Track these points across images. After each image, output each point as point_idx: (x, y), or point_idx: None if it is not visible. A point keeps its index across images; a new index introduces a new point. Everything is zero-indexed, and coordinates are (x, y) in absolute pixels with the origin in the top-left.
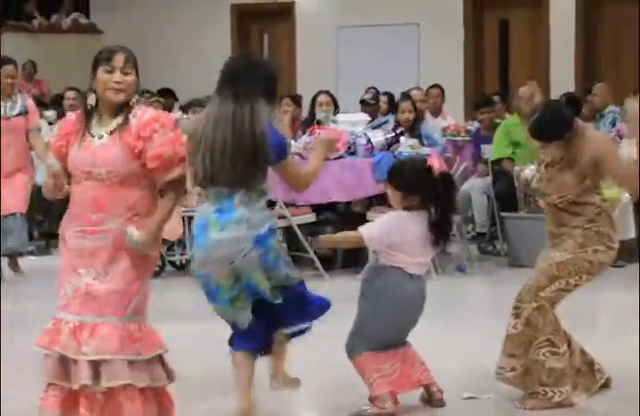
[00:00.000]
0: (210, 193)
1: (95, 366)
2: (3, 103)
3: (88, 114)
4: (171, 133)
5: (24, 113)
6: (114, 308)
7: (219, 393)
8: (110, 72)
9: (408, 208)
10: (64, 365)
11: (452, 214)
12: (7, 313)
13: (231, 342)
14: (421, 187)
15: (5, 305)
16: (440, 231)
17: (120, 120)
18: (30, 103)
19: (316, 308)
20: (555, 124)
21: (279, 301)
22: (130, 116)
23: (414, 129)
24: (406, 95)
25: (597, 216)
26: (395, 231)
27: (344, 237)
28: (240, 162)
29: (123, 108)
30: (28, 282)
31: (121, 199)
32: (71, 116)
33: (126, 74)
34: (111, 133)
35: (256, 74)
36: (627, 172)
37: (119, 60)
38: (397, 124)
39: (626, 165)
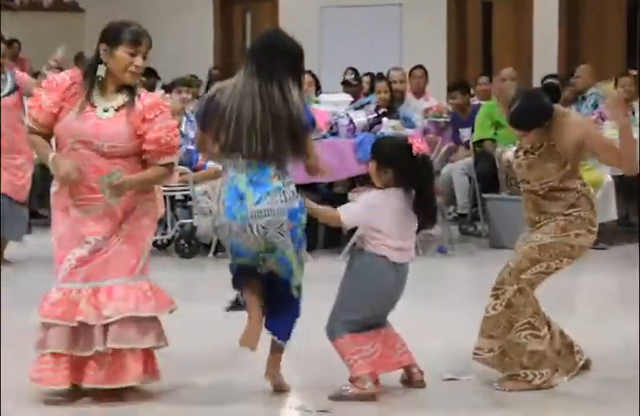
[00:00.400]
0: (238, 163)
1: (106, 329)
2: None
3: (92, 85)
4: (169, 120)
5: (14, 90)
6: (125, 269)
7: (207, 369)
8: (133, 55)
9: (386, 185)
10: (75, 334)
11: (432, 194)
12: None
13: (236, 282)
14: (400, 161)
15: None
16: (422, 210)
17: (125, 97)
18: (20, 77)
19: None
20: (533, 112)
21: (296, 295)
22: (135, 97)
23: (392, 110)
24: (381, 76)
25: (577, 200)
26: (373, 209)
27: (324, 212)
28: (274, 135)
29: (127, 86)
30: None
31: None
32: (61, 80)
33: (144, 58)
34: (118, 109)
35: (284, 52)
36: (616, 152)
37: (145, 45)
38: (379, 105)
39: (611, 144)
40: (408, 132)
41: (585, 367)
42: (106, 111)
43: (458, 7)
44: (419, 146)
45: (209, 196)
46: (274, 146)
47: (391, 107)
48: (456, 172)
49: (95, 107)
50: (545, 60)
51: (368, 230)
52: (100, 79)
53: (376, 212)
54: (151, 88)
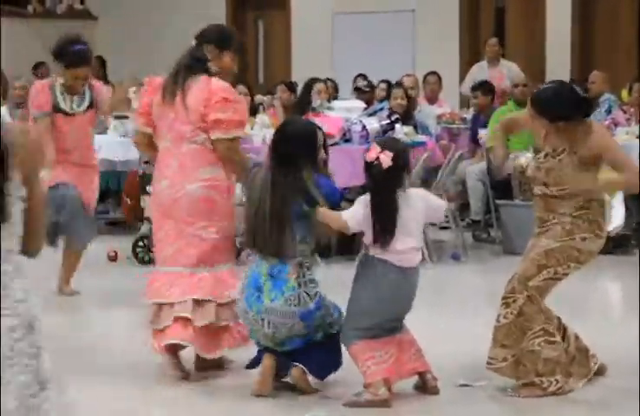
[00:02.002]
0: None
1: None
2: (69, 99)
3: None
4: None
5: (90, 108)
6: (223, 257)
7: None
8: (233, 60)
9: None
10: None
11: (386, 204)
12: None
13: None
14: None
15: None
16: (377, 220)
17: None
18: (98, 91)
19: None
20: (561, 100)
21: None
22: None
23: (408, 117)
24: (398, 83)
25: (588, 203)
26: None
27: (330, 215)
28: (274, 231)
29: None
30: None
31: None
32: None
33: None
34: None
35: (296, 141)
36: (630, 169)
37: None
38: (392, 111)
39: (628, 161)
40: (421, 138)
41: (600, 372)
42: None
43: (470, 13)
44: (373, 153)
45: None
46: (287, 246)
47: (408, 113)
48: (470, 178)
49: None
50: (559, 66)
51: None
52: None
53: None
54: None
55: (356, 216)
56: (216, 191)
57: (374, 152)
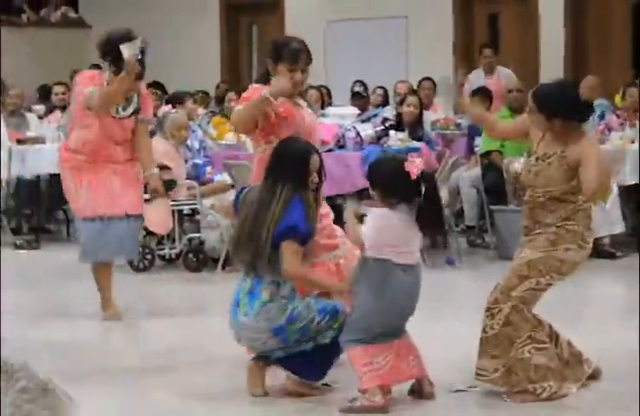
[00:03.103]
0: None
1: None
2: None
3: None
4: None
5: (135, 113)
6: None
7: (217, 379)
8: (292, 71)
9: (389, 205)
10: None
11: (437, 209)
12: None
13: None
14: (399, 190)
15: None
16: (427, 224)
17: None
18: (144, 97)
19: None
20: (562, 97)
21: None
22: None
23: (418, 126)
24: (413, 90)
25: (574, 214)
26: (384, 230)
27: (354, 234)
28: (250, 250)
29: None
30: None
31: None
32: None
33: (303, 72)
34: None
35: (286, 163)
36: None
37: (302, 61)
38: (386, 118)
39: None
40: (415, 144)
41: (594, 376)
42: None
43: (464, 18)
44: (414, 170)
45: (216, 210)
46: (262, 265)
47: (420, 122)
48: (464, 184)
49: (301, 106)
50: (552, 71)
51: (371, 238)
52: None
53: (389, 232)
54: (160, 102)
55: (374, 241)
56: None
57: (417, 162)
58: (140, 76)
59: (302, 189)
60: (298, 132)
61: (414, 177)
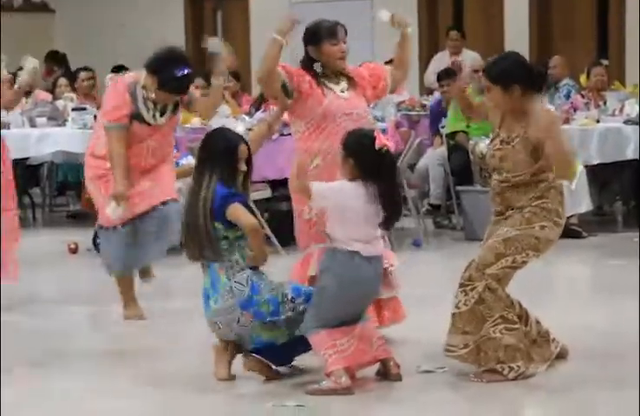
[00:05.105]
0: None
1: None
2: (152, 108)
3: (316, 78)
4: None
5: (173, 113)
6: None
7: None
8: (335, 45)
9: (350, 176)
10: None
11: (394, 188)
12: None
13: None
14: (361, 152)
15: None
16: (384, 205)
17: (344, 81)
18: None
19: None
20: (515, 65)
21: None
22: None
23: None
24: None
25: (547, 192)
26: (340, 194)
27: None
28: (190, 238)
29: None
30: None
31: None
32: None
33: (344, 43)
34: (348, 89)
35: (213, 152)
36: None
37: (341, 32)
38: None
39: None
40: (381, 126)
41: (562, 355)
42: (342, 92)
43: (429, 2)
44: (382, 140)
45: (182, 193)
46: (205, 251)
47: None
48: (432, 162)
49: (331, 89)
50: (518, 52)
51: (337, 223)
52: (320, 73)
53: (342, 198)
54: None
55: (323, 191)
56: None
57: (381, 138)
58: (187, 89)
59: (230, 178)
60: (318, 113)
61: (378, 143)
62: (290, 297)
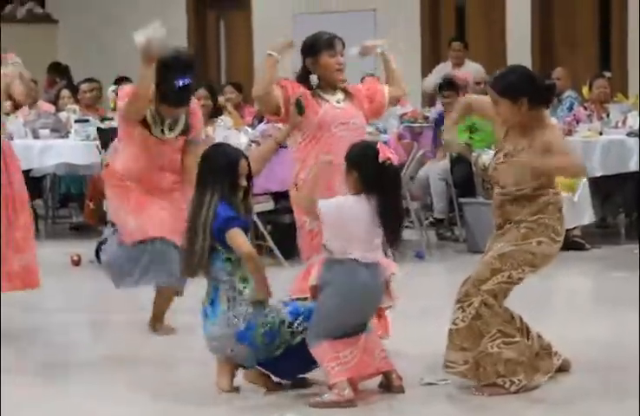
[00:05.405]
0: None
1: None
2: (160, 122)
3: (312, 90)
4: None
5: (183, 134)
6: None
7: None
8: (333, 56)
9: (354, 190)
10: None
11: (397, 204)
12: None
13: None
14: (364, 165)
15: None
16: (385, 219)
17: (340, 94)
18: (194, 113)
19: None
20: (521, 78)
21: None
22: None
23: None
24: None
25: (545, 208)
26: (343, 211)
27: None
28: (190, 255)
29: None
30: None
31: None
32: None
33: (342, 55)
34: (343, 100)
35: (213, 168)
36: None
37: (338, 45)
38: None
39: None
40: (384, 138)
41: (564, 368)
42: (338, 102)
43: (431, 11)
44: (386, 152)
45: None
46: (205, 269)
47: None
48: (433, 176)
49: (327, 100)
50: (520, 63)
51: (336, 236)
52: (314, 86)
53: (347, 214)
54: None
55: (329, 206)
56: None
57: (385, 151)
58: (189, 101)
59: (230, 194)
60: (313, 124)
61: (382, 156)
62: (287, 323)
